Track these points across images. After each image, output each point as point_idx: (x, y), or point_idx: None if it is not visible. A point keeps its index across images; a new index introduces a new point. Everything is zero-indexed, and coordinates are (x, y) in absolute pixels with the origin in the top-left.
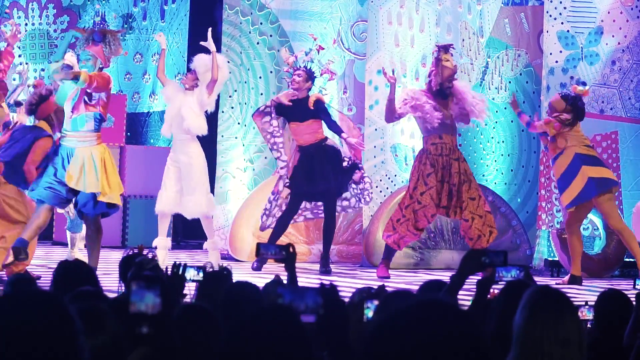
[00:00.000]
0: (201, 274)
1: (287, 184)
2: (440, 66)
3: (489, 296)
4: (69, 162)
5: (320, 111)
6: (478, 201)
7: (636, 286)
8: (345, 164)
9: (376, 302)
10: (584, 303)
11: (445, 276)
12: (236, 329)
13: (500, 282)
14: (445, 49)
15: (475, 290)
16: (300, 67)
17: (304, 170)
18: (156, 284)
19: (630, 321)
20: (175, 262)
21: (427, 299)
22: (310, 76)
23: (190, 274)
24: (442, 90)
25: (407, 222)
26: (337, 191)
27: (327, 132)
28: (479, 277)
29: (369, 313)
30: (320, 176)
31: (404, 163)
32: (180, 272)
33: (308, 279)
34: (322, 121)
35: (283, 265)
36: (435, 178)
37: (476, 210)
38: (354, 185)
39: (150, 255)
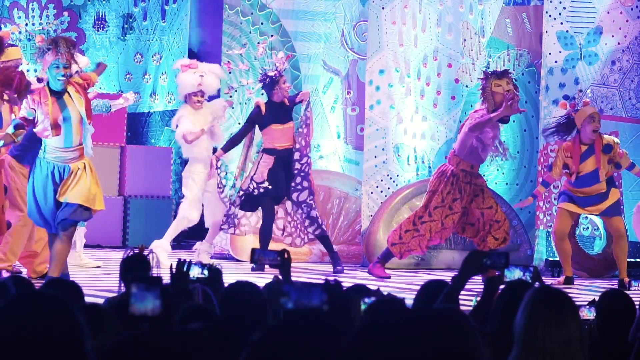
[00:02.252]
0: (206, 272)
1: (263, 188)
2: (489, 92)
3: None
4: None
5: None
6: (496, 208)
7: (631, 287)
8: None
9: (373, 299)
10: (589, 301)
11: (445, 276)
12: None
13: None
14: (497, 75)
15: (472, 290)
16: (279, 72)
17: (281, 173)
18: (156, 285)
19: (637, 317)
20: (179, 259)
21: (421, 311)
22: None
23: (195, 271)
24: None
25: (420, 238)
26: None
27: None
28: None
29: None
30: (290, 180)
31: (406, 163)
32: (184, 269)
33: (310, 279)
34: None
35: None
36: (460, 204)
37: (494, 216)
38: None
39: (150, 256)
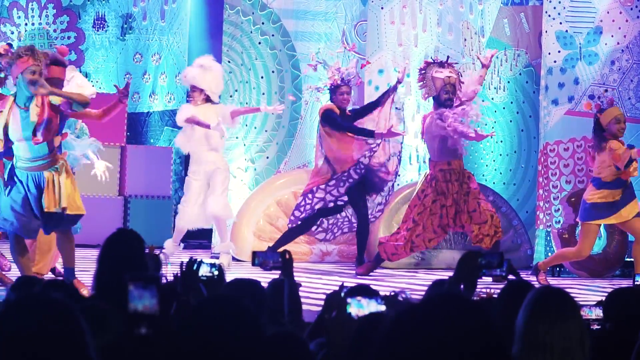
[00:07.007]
0: (215, 271)
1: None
2: (430, 78)
3: (485, 296)
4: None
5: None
6: (479, 210)
7: (636, 282)
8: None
9: (358, 298)
10: (594, 303)
11: (446, 276)
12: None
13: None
14: (439, 64)
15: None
16: (344, 80)
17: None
18: (153, 284)
19: None
20: (190, 257)
21: (438, 294)
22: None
23: (204, 270)
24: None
25: (406, 245)
26: (367, 192)
27: None
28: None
29: (350, 309)
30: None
31: (407, 163)
32: (194, 268)
33: (314, 279)
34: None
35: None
36: (439, 204)
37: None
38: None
39: (161, 256)
